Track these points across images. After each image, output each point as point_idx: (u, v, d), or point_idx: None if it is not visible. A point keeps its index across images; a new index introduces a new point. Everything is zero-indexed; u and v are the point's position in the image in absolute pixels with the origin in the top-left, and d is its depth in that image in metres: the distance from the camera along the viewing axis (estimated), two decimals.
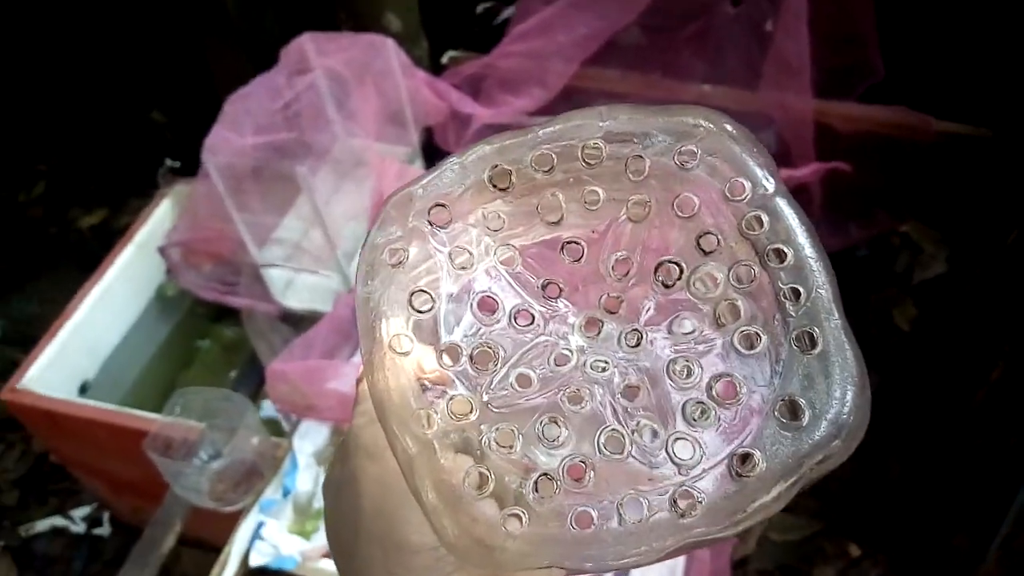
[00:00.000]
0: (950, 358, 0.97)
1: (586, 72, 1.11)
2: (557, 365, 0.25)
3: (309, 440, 0.79)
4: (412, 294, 0.25)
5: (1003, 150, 1.13)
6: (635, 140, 0.25)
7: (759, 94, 1.08)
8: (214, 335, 1.23)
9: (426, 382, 0.25)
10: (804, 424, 0.23)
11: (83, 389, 1.08)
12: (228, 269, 1.01)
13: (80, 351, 1.08)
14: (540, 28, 1.05)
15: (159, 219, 1.13)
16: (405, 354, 0.25)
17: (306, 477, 0.77)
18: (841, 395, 0.23)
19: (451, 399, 0.25)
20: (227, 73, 1.34)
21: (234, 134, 0.86)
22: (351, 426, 0.29)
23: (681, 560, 0.76)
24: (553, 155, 0.25)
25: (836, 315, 0.23)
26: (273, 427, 0.90)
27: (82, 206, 1.67)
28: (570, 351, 0.25)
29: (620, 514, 0.23)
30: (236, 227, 0.90)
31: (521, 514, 0.23)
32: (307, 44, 0.99)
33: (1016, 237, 0.87)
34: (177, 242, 0.98)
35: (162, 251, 1.00)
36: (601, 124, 0.25)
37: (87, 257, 1.30)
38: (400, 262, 0.25)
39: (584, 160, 0.25)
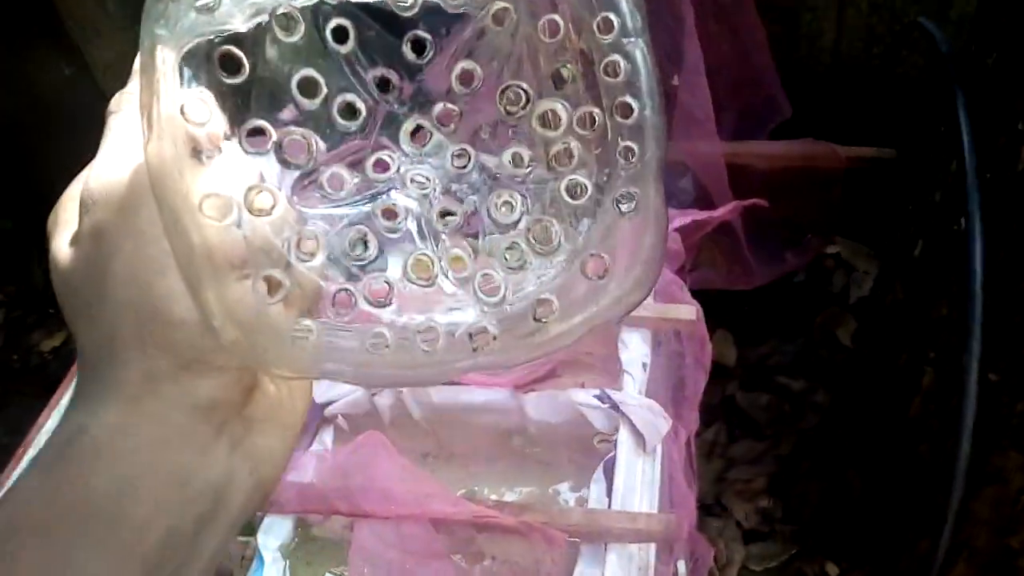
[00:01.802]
0: (888, 370, 1.01)
1: None
2: (376, 171, 0.23)
3: (273, 535, 0.80)
4: (222, 53, 0.22)
5: (907, 168, 1.20)
6: None
7: (672, 145, 1.14)
8: None
9: (209, 151, 0.22)
10: (602, 283, 0.23)
11: None
12: None
13: None
14: None
15: None
16: (200, 124, 0.22)
17: (273, 572, 0.78)
18: (644, 262, 0.23)
19: (252, 190, 0.22)
20: None
21: None
22: (96, 168, 0.25)
23: None
24: None
25: (657, 184, 0.23)
26: (246, 527, 0.91)
27: (42, 328, 1.69)
28: (392, 157, 0.23)
29: (416, 340, 0.22)
30: None
31: (312, 327, 0.22)
32: None
33: (922, 248, 0.92)
34: None
35: None
36: None
37: (50, 380, 1.31)
38: (207, 6, 0.21)
39: None
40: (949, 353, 0.91)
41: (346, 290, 0.22)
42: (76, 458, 0.24)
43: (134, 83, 0.26)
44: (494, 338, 0.22)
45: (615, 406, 0.89)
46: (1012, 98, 0.77)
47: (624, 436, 0.89)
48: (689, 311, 0.99)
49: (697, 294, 1.04)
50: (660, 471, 0.87)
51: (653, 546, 0.81)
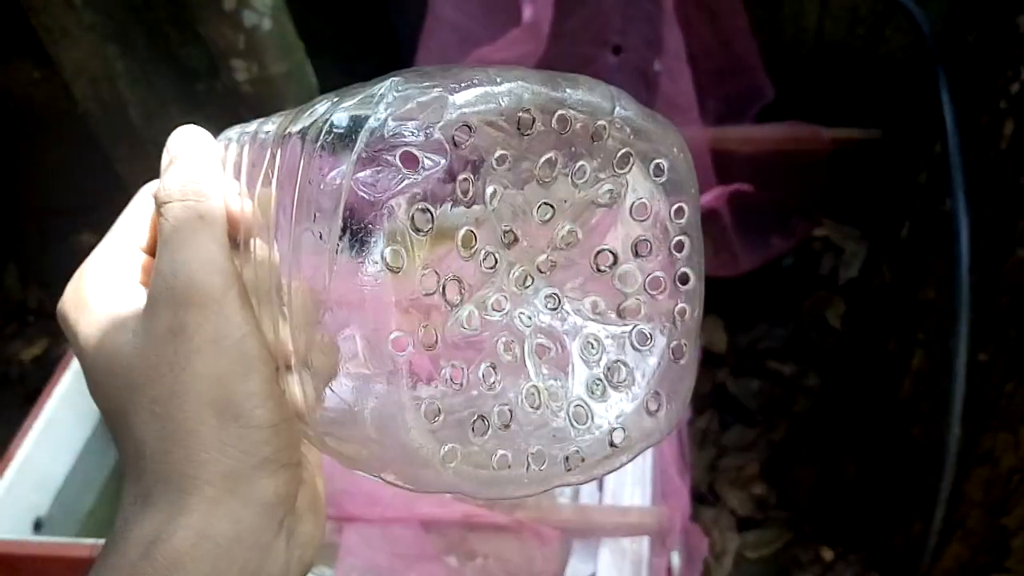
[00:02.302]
0: (877, 352, 1.01)
1: None
2: (494, 310, 0.26)
3: None
4: (416, 206, 0.24)
5: (892, 149, 1.19)
6: (631, 135, 0.27)
7: None
8: None
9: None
10: (659, 416, 0.28)
11: (37, 526, 1.07)
12: None
13: (30, 488, 1.07)
14: None
15: None
16: (397, 271, 0.24)
17: None
18: (683, 399, 0.29)
19: (424, 327, 0.25)
20: (142, 184, 1.36)
21: None
22: (173, 262, 0.26)
23: None
24: (572, 119, 0.26)
25: (697, 340, 0.29)
26: None
27: (22, 338, 1.66)
28: (506, 298, 0.26)
29: (528, 462, 0.26)
30: None
31: (456, 450, 0.25)
32: None
33: (909, 230, 0.92)
34: None
35: None
36: (615, 107, 0.26)
37: (31, 391, 1.30)
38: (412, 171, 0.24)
39: (591, 136, 0.26)
40: (938, 335, 0.90)
41: (482, 416, 0.26)
42: (157, 565, 0.24)
43: (192, 168, 0.28)
44: (582, 461, 0.27)
45: None
46: (993, 76, 0.76)
47: None
48: None
49: None
50: (651, 464, 0.86)
51: (646, 540, 0.81)
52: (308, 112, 0.26)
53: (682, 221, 0.28)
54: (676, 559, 0.87)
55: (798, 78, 1.27)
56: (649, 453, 0.88)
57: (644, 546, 0.81)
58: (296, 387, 0.26)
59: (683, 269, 0.28)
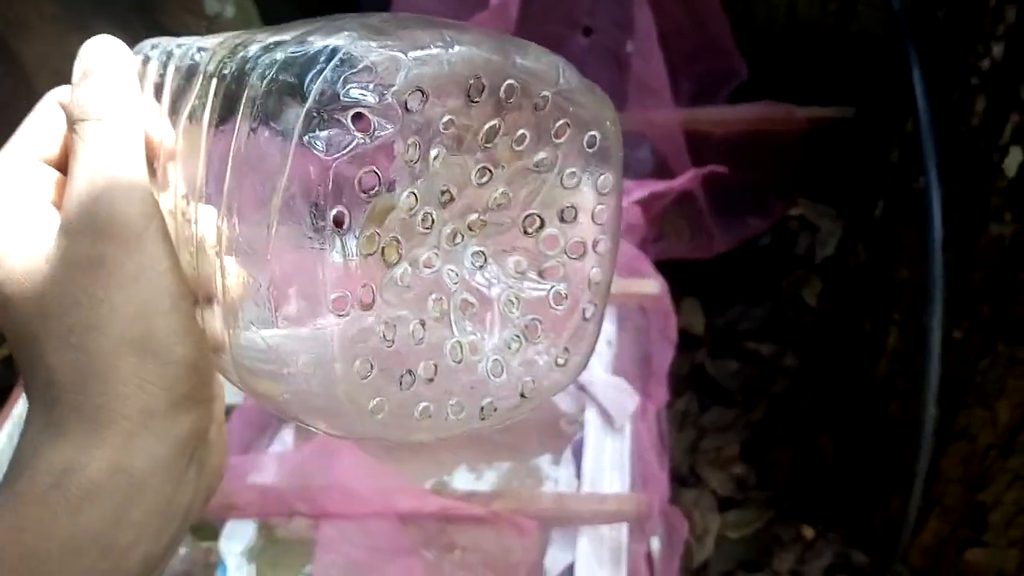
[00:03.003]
0: (854, 332, 1.01)
1: None
2: (425, 267, 0.27)
3: (236, 540, 0.78)
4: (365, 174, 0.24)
5: (865, 127, 1.19)
6: (571, 107, 0.27)
7: (627, 115, 1.11)
8: None
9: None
10: (567, 369, 0.30)
11: None
12: None
13: None
14: None
15: None
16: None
17: None
18: (587, 351, 0.30)
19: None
20: None
21: None
22: (88, 193, 0.25)
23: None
24: (519, 86, 0.26)
25: (605, 303, 0.30)
26: (206, 532, 0.89)
27: None
28: (437, 255, 0.27)
29: (448, 412, 0.28)
30: None
31: (384, 402, 0.26)
32: None
33: (883, 209, 0.91)
34: None
35: None
36: (561, 74, 0.27)
37: (3, 391, 1.28)
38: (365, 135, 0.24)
39: (534, 104, 0.26)
40: (913, 313, 0.90)
41: (409, 371, 0.27)
42: (69, 495, 0.24)
43: (110, 85, 0.27)
44: (495, 409, 0.29)
45: (581, 387, 0.87)
46: (964, 53, 0.76)
47: (591, 416, 0.87)
48: (653, 285, 0.97)
49: (663, 264, 1.02)
50: (629, 450, 0.86)
51: (625, 526, 0.81)
52: (248, 49, 0.26)
53: (606, 190, 0.29)
54: (656, 544, 0.87)
55: (771, 57, 1.27)
56: (627, 439, 0.88)
57: (623, 533, 0.81)
58: (218, 322, 0.25)
59: (600, 236, 0.29)
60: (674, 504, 0.97)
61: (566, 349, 0.30)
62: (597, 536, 0.79)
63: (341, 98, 0.23)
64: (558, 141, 0.28)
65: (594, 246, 0.29)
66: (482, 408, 0.28)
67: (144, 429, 0.25)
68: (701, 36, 1.20)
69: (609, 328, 0.98)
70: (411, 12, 1.09)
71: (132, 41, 0.31)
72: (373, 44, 0.24)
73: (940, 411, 0.88)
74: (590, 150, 0.28)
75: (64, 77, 0.29)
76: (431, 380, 0.27)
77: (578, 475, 0.84)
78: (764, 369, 1.36)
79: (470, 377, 0.28)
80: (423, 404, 0.27)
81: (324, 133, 0.23)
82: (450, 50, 0.24)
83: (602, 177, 0.29)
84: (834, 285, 1.09)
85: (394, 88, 0.23)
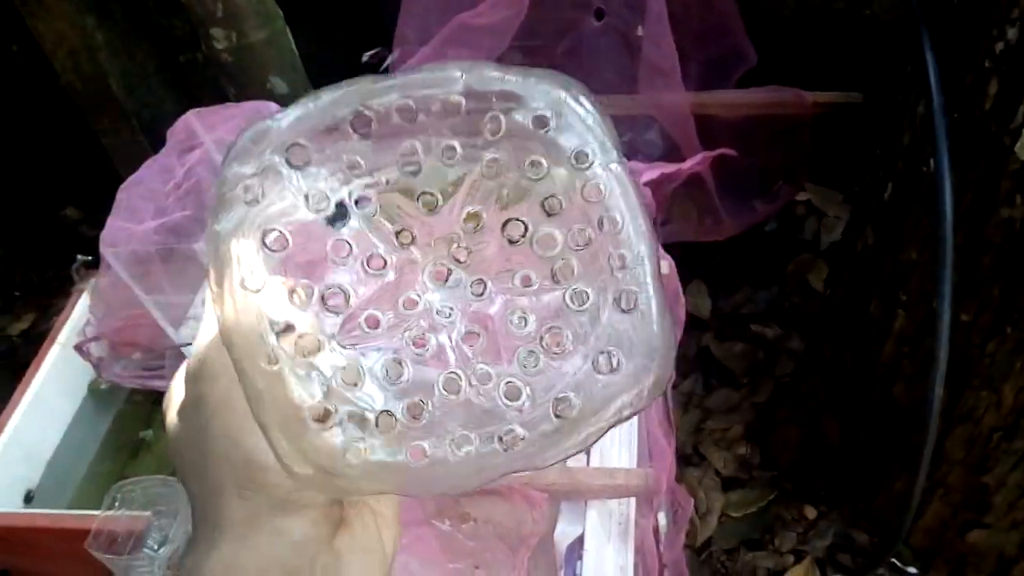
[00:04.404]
0: (860, 314, 1.02)
1: None
2: (406, 309, 0.27)
3: None
4: (265, 232, 0.26)
5: (874, 112, 1.19)
6: (494, 99, 0.26)
7: (638, 98, 1.12)
8: (157, 422, 1.23)
9: (275, 320, 0.26)
10: (617, 373, 0.26)
11: (28, 498, 1.07)
12: (154, 354, 1.01)
13: (19, 461, 1.07)
14: None
15: (79, 315, 1.12)
16: (256, 291, 0.26)
17: None
18: (648, 351, 0.26)
19: (300, 336, 0.26)
20: (125, 156, 1.35)
21: (131, 222, 0.87)
22: (195, 350, 0.30)
23: (630, 560, 0.79)
24: (413, 104, 0.26)
25: (652, 281, 0.26)
26: None
27: (9, 313, 1.65)
28: (419, 296, 0.27)
29: (451, 449, 0.26)
30: (149, 312, 0.90)
31: (362, 446, 0.26)
32: (193, 120, 1.00)
33: (892, 192, 0.92)
34: (92, 337, 0.99)
35: (78, 348, 1.00)
36: (463, 79, 0.26)
37: (20, 364, 1.29)
38: (255, 199, 0.26)
39: (443, 111, 0.26)
40: (920, 296, 0.91)
41: (387, 411, 0.26)
42: None
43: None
44: (522, 439, 0.26)
45: None
46: (977, 35, 0.76)
47: None
48: (662, 266, 0.98)
49: (670, 246, 1.03)
50: (638, 426, 0.87)
51: (633, 501, 0.82)
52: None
53: (584, 163, 0.26)
54: (663, 519, 0.88)
55: (780, 42, 1.27)
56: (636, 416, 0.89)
57: (631, 507, 0.82)
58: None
59: (605, 214, 0.26)
60: (679, 483, 0.98)
61: (607, 352, 0.26)
62: (606, 510, 0.80)
63: (228, 179, 0.26)
64: (493, 138, 0.26)
65: (600, 225, 0.26)
66: (500, 438, 0.26)
67: (253, 531, 0.28)
68: (711, 20, 1.20)
69: None
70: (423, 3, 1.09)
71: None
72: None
73: (946, 393, 0.88)
74: (544, 130, 0.26)
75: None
76: (416, 418, 0.26)
77: (587, 450, 0.85)
78: (769, 352, 1.37)
79: (478, 408, 0.26)
80: (415, 443, 0.26)
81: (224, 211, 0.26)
82: (317, 101, 0.26)
83: (575, 152, 0.26)
84: (841, 268, 1.10)
85: (270, 148, 0.26)
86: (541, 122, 0.26)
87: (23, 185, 1.66)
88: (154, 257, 0.90)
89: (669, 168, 1.05)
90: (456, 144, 0.26)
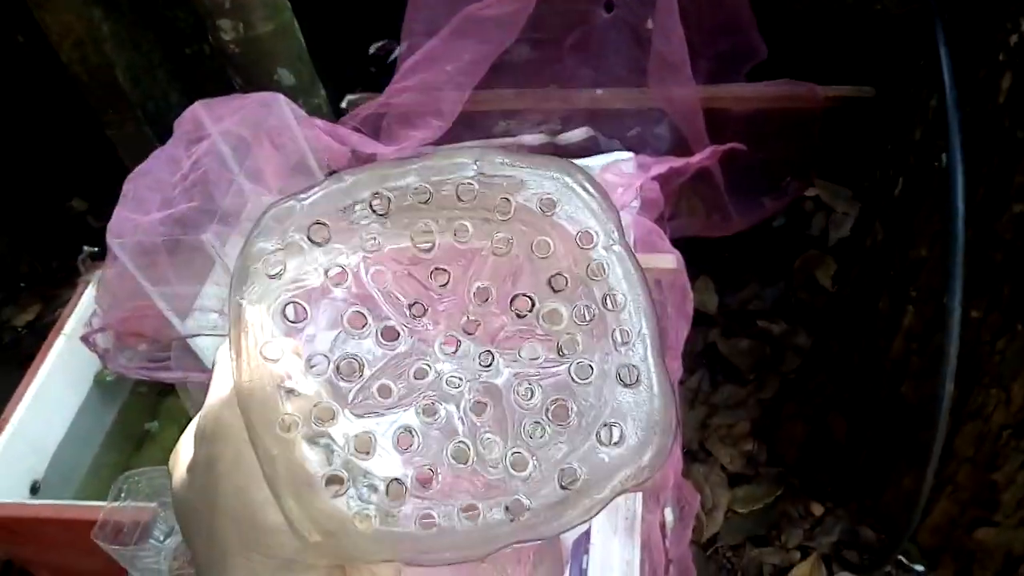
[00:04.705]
0: (869, 310, 1.01)
1: (481, 95, 1.14)
2: (416, 379, 0.28)
3: None
4: (285, 305, 0.27)
5: (886, 106, 1.18)
6: (504, 183, 0.28)
7: (647, 91, 1.11)
8: (162, 413, 1.23)
9: (290, 388, 0.27)
10: (620, 446, 0.27)
11: (34, 489, 1.07)
12: (160, 346, 1.01)
13: (25, 452, 1.07)
14: (427, 60, 1.07)
15: (85, 306, 1.12)
16: (274, 361, 0.27)
17: None
18: (649, 424, 0.27)
19: (315, 405, 0.27)
20: (131, 148, 1.34)
21: (137, 213, 0.87)
22: (206, 409, 0.30)
23: (636, 554, 0.79)
24: (429, 187, 0.28)
25: (654, 357, 0.28)
26: None
27: (15, 304, 1.65)
28: (429, 366, 0.28)
29: (459, 518, 0.27)
30: (155, 303, 0.90)
31: (371, 513, 0.26)
32: (200, 111, 1.00)
33: (902, 187, 0.91)
34: (98, 328, 0.99)
35: (84, 339, 1.00)
36: (475, 165, 0.28)
37: (25, 355, 1.29)
38: (277, 274, 0.27)
39: (457, 196, 0.28)
40: (930, 292, 0.90)
41: (397, 479, 0.26)
42: None
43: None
44: (528, 508, 0.26)
45: None
46: (992, 29, 0.75)
47: None
48: (670, 260, 0.98)
49: (677, 242, 1.03)
50: None
51: (640, 496, 0.81)
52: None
53: (591, 246, 0.28)
54: (669, 515, 0.88)
55: (791, 35, 1.26)
56: None
57: (638, 502, 0.82)
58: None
59: (608, 292, 0.28)
60: (684, 479, 0.98)
61: (609, 425, 0.27)
62: (612, 505, 0.80)
63: (252, 253, 0.28)
64: (503, 218, 0.28)
65: (604, 303, 0.28)
66: (507, 508, 0.26)
67: None
68: (721, 13, 1.19)
69: None
70: None
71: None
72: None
73: (955, 390, 0.88)
74: (550, 213, 0.28)
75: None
76: (424, 486, 0.27)
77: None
78: (776, 348, 1.36)
79: (485, 478, 0.27)
80: (424, 511, 0.26)
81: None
82: (341, 183, 0.28)
83: (579, 234, 0.28)
84: (850, 265, 1.09)
85: (292, 227, 0.28)
86: (548, 204, 0.28)
87: (29, 176, 1.66)
88: (160, 248, 0.90)
89: (678, 162, 1.04)
90: (468, 224, 0.28)
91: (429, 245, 0.28)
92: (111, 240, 0.85)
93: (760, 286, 1.44)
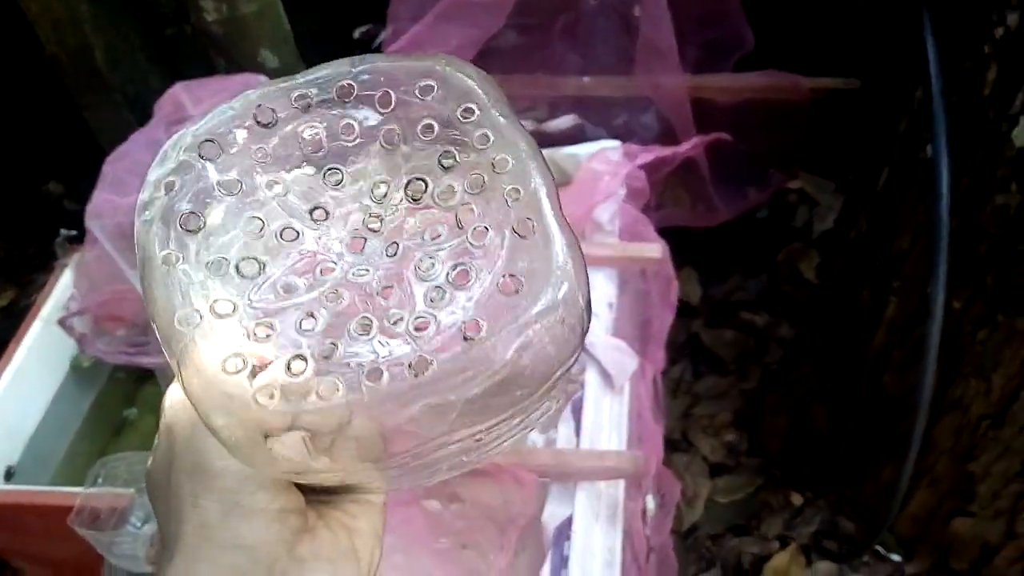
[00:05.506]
0: (851, 302, 1.02)
1: None
2: (323, 275, 0.28)
3: None
4: (182, 215, 0.28)
5: (871, 98, 1.19)
6: (382, 79, 0.30)
7: (634, 79, 1.11)
8: (141, 400, 1.21)
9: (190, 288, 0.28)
10: (519, 298, 0.27)
11: (8, 475, 1.05)
12: (139, 330, 1.00)
13: (1, 437, 1.05)
14: (412, 45, 1.06)
15: (62, 291, 1.11)
16: (173, 264, 0.28)
17: None
18: (551, 269, 0.28)
19: (215, 302, 0.27)
20: (110, 131, 1.32)
21: (117, 195, 0.86)
22: (168, 391, 0.31)
23: (618, 541, 0.79)
24: (311, 94, 0.29)
25: (549, 207, 0.28)
26: None
27: None
28: (334, 264, 0.29)
29: (364, 383, 0.27)
30: (134, 286, 0.89)
31: (274, 390, 0.26)
32: (180, 93, 0.98)
33: (887, 179, 0.92)
34: (76, 312, 0.97)
35: (62, 323, 0.99)
36: (352, 69, 0.30)
37: (1, 341, 1.27)
38: (173, 191, 0.29)
39: (337, 96, 0.29)
40: (913, 283, 0.91)
41: (299, 355, 0.27)
42: None
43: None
44: (431, 364, 0.26)
45: (583, 347, 0.88)
46: (978, 21, 0.75)
47: (591, 376, 0.88)
48: (655, 249, 0.98)
49: (662, 231, 1.03)
50: (628, 409, 0.87)
51: (622, 483, 0.81)
52: None
53: (472, 118, 0.29)
54: (651, 502, 0.88)
55: (778, 26, 1.26)
56: (626, 399, 0.88)
57: (620, 489, 0.82)
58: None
59: (496, 156, 0.29)
60: (666, 467, 0.98)
61: (506, 276, 0.28)
62: (595, 491, 0.80)
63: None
64: (385, 110, 0.29)
65: (493, 167, 0.28)
66: (411, 365, 0.27)
67: (204, 541, 0.28)
68: (709, 3, 1.19)
69: (610, 291, 0.98)
70: None
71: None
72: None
73: (935, 381, 0.88)
74: (429, 97, 0.29)
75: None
76: (326, 358, 0.27)
77: (577, 432, 0.85)
78: (759, 339, 1.37)
79: (387, 346, 0.27)
80: (328, 380, 0.27)
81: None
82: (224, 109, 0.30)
83: (463, 108, 0.29)
84: (833, 256, 1.10)
85: (184, 147, 0.29)
86: (426, 90, 0.29)
87: (5, 158, 1.63)
88: None
89: (664, 151, 1.04)
90: (353, 122, 0.29)
91: (319, 149, 0.29)
92: (90, 222, 0.84)
93: (744, 277, 1.44)
